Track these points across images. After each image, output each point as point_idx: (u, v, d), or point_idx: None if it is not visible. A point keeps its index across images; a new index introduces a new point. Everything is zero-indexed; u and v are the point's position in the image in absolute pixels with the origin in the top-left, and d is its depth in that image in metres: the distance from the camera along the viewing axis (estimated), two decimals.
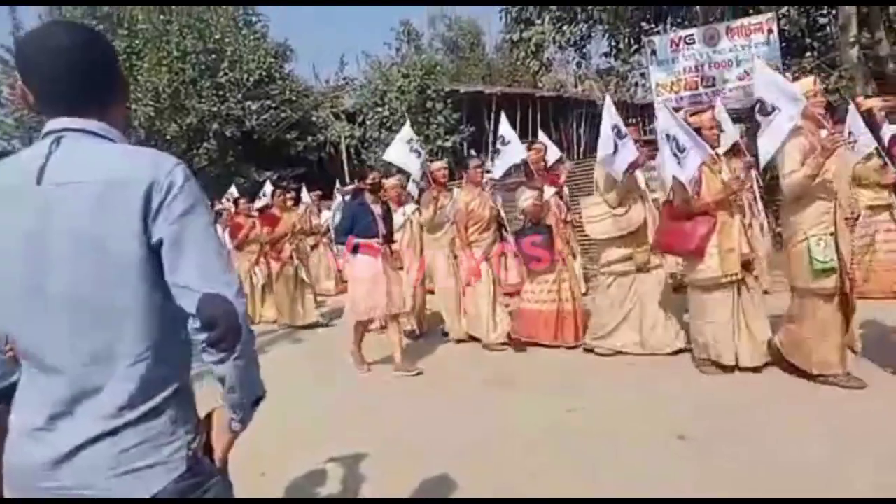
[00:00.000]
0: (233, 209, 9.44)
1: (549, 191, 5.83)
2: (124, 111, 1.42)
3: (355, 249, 5.39)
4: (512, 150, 6.15)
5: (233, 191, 11.45)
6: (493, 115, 20.46)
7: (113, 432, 1.21)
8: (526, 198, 5.69)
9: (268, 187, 10.51)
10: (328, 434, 4.03)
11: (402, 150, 6.98)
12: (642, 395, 4.15)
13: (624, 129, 4.86)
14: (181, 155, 16.40)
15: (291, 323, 8.08)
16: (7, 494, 1.31)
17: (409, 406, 4.46)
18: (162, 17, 16.35)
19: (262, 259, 8.68)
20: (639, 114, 24.04)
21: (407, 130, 7.03)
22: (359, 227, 5.37)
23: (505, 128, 6.42)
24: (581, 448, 3.40)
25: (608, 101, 5.13)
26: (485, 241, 5.98)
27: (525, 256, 5.60)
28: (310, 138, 18.75)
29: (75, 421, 1.22)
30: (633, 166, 4.87)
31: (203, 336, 1.21)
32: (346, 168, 18.53)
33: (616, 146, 4.78)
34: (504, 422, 3.92)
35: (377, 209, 5.54)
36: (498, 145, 6.27)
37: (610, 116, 4.92)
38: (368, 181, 7.68)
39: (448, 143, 18.02)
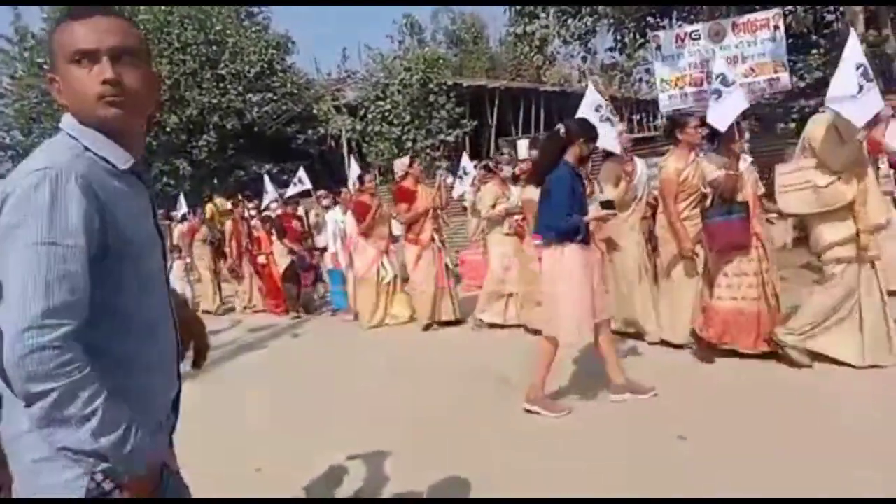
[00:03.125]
0: (352, 189, 8.12)
1: (745, 160, 4.68)
2: (70, 104, 1.28)
3: (566, 237, 3.86)
4: (738, 94, 4.51)
5: (302, 175, 10.30)
6: (495, 110, 20.42)
7: (20, 435, 1.17)
8: (716, 167, 4.46)
9: (354, 171, 9.01)
10: (326, 430, 3.98)
11: (592, 120, 5.79)
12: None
13: (871, 73, 3.95)
14: (181, 147, 16.40)
15: (432, 320, 6.78)
16: None
17: (409, 401, 4.40)
18: (163, 8, 16.27)
19: (391, 246, 7.50)
20: (643, 109, 24.00)
21: (594, 95, 5.64)
22: (576, 202, 3.90)
23: (721, 64, 4.79)
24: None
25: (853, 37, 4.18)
26: (698, 221, 4.65)
27: (717, 242, 4.45)
28: (311, 131, 18.70)
29: (8, 414, 1.21)
30: (874, 121, 3.84)
31: None
32: (346, 162, 18.48)
33: (861, 87, 3.84)
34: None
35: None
36: (716, 83, 4.52)
37: (854, 52, 4.00)
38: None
39: (450, 137, 17.95)
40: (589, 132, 3.99)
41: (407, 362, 5.69)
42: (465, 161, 9.40)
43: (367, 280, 7.22)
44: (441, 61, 19.39)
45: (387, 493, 3.07)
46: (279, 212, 9.31)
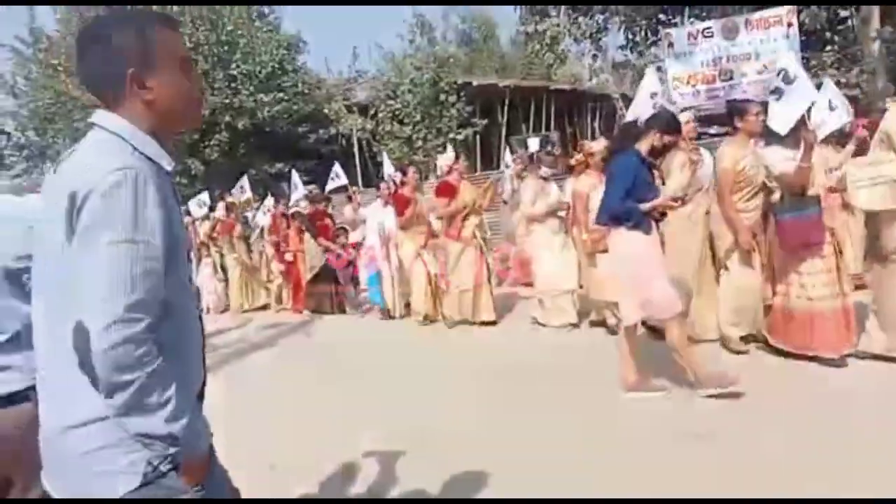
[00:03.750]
0: (391, 184, 8.04)
1: (820, 151, 4.40)
2: (157, 108, 1.31)
3: (619, 221, 3.86)
4: (802, 88, 4.15)
5: (338, 169, 10.19)
6: (506, 109, 20.38)
7: (77, 426, 1.21)
8: (781, 158, 4.15)
9: (388, 167, 9.23)
10: (339, 426, 4.00)
11: (646, 107, 5.26)
12: None
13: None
14: (193, 146, 16.52)
15: (468, 319, 6.63)
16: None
17: (422, 398, 4.41)
18: (175, 8, 16.38)
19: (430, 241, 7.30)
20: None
21: (652, 81, 5.44)
22: (639, 190, 3.84)
23: (789, 61, 4.40)
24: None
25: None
26: (753, 213, 4.45)
27: (790, 240, 4.18)
28: (321, 131, 18.74)
29: (51, 405, 1.26)
30: None
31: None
32: (357, 161, 18.51)
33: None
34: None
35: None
36: (778, 82, 4.21)
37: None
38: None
39: (461, 136, 17.95)
40: (664, 124, 3.93)
41: (434, 361, 5.66)
42: (508, 156, 9.27)
43: (415, 273, 7.15)
44: (451, 60, 19.40)
45: (399, 492, 3.08)
46: (309, 209, 9.11)
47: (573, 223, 5.98)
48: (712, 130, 8.31)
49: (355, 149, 18.84)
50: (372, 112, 18.70)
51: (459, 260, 6.59)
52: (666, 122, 3.95)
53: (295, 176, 10.84)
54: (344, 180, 10.11)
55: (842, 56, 10.26)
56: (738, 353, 4.58)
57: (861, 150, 5.23)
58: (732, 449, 3.13)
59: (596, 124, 22.11)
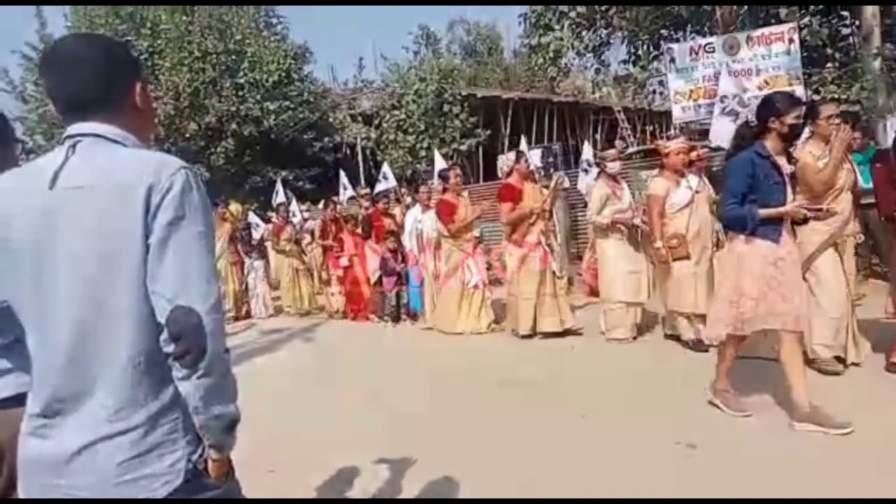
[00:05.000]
0: (435, 185, 7.71)
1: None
2: (144, 114, 1.42)
3: (743, 225, 3.41)
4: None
5: (387, 170, 9.95)
6: (509, 120, 20.50)
7: (113, 436, 1.22)
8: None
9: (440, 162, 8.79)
10: (339, 430, 4.04)
11: (720, 120, 4.86)
12: None
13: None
14: (199, 153, 16.65)
15: (533, 330, 6.21)
16: (21, 488, 1.33)
17: (422, 403, 4.45)
18: (185, 17, 16.56)
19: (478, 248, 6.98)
20: (655, 121, 23.97)
21: (724, 83, 4.87)
22: (761, 192, 3.37)
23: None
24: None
25: None
26: (840, 216, 4.09)
27: None
28: (326, 139, 18.87)
29: (74, 423, 1.24)
30: None
31: (170, 349, 1.21)
32: (361, 169, 18.62)
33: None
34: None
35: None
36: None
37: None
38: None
39: (464, 147, 18.05)
40: (778, 105, 3.45)
41: (456, 370, 5.50)
42: (587, 152, 8.76)
43: (452, 285, 6.84)
44: (456, 72, 19.54)
45: (399, 495, 3.10)
46: (369, 210, 8.85)
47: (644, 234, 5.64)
48: (713, 145, 8.39)
49: (359, 157, 18.96)
50: (376, 121, 18.83)
51: (522, 267, 6.17)
52: (780, 102, 3.46)
53: (342, 177, 10.75)
54: (392, 182, 9.94)
55: (842, 73, 10.33)
56: (831, 373, 4.19)
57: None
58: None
59: (598, 136, 22.22)
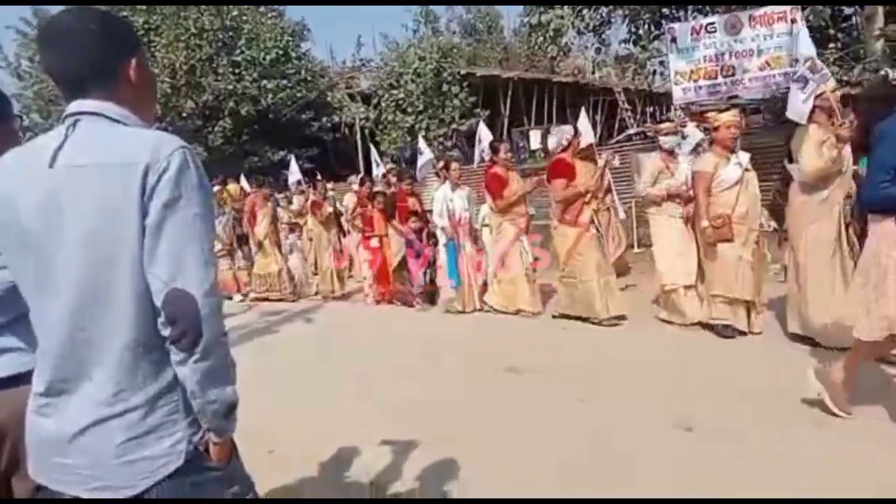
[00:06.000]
0: (484, 156, 7.23)
1: None
2: (144, 91, 1.40)
3: (880, 209, 2.94)
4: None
5: (422, 144, 9.34)
6: (508, 100, 20.38)
7: (111, 418, 1.22)
8: None
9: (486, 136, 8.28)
10: (339, 412, 4.07)
11: (795, 94, 4.42)
12: None
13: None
14: (196, 132, 16.57)
15: (599, 316, 5.69)
16: (30, 466, 1.34)
17: (418, 383, 4.49)
18: None
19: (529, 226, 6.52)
20: (656, 102, 23.84)
21: (806, 44, 4.60)
22: None
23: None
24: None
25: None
26: None
27: None
28: (324, 119, 18.79)
29: (75, 403, 1.25)
30: None
31: (166, 332, 1.20)
32: (359, 149, 18.54)
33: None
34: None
35: None
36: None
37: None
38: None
39: (463, 127, 17.96)
40: None
41: (458, 352, 5.42)
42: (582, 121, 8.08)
43: (511, 263, 6.40)
44: (455, 50, 19.39)
45: (399, 477, 3.11)
46: (393, 189, 8.39)
47: (690, 209, 5.26)
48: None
49: (357, 137, 18.87)
50: (375, 101, 18.72)
51: (575, 248, 5.79)
52: None
53: (373, 152, 10.46)
54: (430, 155, 9.50)
55: (844, 54, 10.26)
56: None
57: None
58: None
59: (598, 117, 22.09)
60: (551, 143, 6.09)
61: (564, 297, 5.99)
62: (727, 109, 5.19)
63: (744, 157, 4.93)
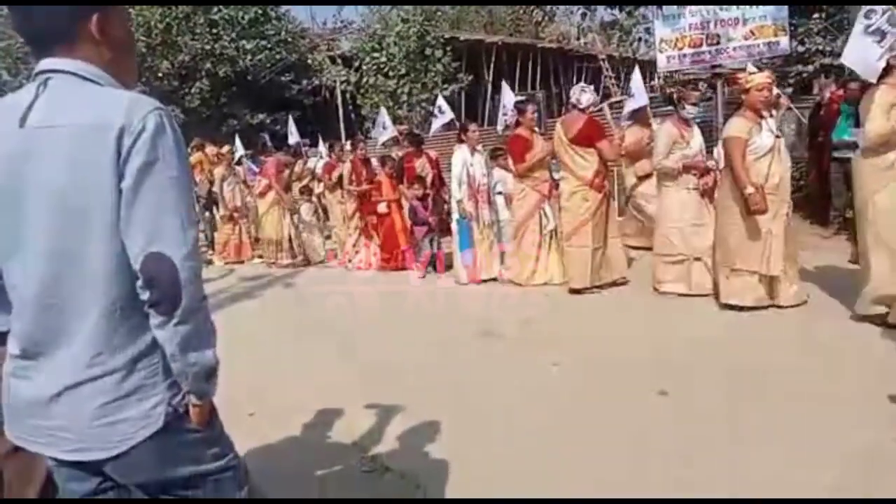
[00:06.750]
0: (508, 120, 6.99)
1: None
2: (117, 49, 1.33)
3: None
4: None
5: (442, 103, 9.03)
6: (492, 66, 20.13)
7: (89, 381, 1.22)
8: None
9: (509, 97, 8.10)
10: (319, 376, 4.10)
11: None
12: None
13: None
14: (173, 93, 16.19)
15: (592, 283, 5.66)
16: (7, 428, 1.34)
17: (397, 349, 4.52)
18: None
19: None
20: (641, 70, 23.72)
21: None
22: None
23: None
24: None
25: None
26: None
27: None
28: (304, 82, 18.43)
29: (53, 366, 1.24)
30: None
31: (145, 296, 1.19)
32: (340, 114, 18.26)
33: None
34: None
35: None
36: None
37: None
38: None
39: (446, 92, 17.75)
40: None
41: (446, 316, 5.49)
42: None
43: (527, 235, 6.20)
44: (439, 14, 19.02)
45: (382, 439, 3.14)
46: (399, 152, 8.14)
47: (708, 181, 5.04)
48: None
49: (338, 101, 18.56)
50: (356, 64, 18.37)
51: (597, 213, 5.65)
52: None
53: (383, 114, 10.12)
54: (450, 115, 9.20)
55: (829, 24, 10.25)
56: None
57: None
58: None
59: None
60: (584, 99, 5.72)
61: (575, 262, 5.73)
62: (760, 70, 4.83)
63: (773, 123, 4.66)
